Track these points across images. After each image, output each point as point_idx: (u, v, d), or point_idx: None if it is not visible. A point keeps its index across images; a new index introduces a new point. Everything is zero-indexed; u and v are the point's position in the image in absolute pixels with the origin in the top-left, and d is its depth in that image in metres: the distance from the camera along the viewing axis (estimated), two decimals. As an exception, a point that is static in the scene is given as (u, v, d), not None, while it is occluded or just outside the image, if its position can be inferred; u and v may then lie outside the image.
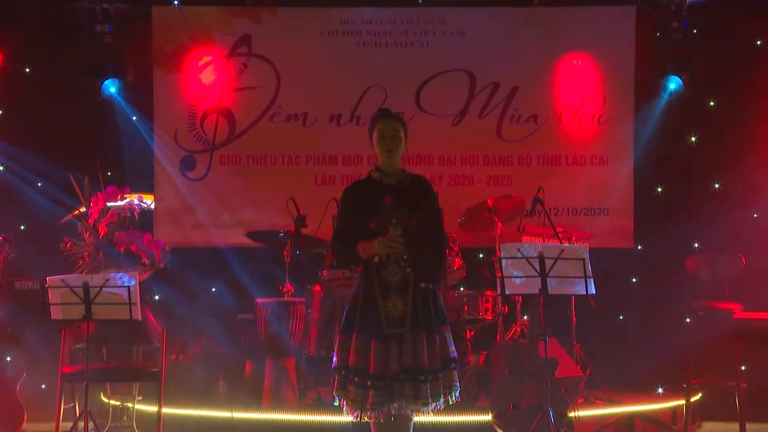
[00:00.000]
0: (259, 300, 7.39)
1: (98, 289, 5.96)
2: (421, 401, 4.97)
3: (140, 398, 7.27)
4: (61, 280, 6.02)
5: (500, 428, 6.42)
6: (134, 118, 8.84)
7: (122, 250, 7.29)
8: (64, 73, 8.65)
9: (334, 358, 5.09)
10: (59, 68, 8.66)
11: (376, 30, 8.79)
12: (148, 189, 8.44)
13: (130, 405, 7.26)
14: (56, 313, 6.05)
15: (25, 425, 7.09)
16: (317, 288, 7.49)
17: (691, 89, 8.65)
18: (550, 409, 5.78)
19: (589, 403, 7.27)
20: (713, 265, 8.12)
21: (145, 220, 7.95)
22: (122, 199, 7.47)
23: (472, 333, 7.63)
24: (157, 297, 8.53)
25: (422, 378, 4.95)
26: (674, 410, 7.34)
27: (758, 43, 8.71)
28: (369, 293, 5.03)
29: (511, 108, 8.74)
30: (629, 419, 7.16)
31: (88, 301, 5.97)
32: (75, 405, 6.85)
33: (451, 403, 5.09)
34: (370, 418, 5.02)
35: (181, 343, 8.08)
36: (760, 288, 7.77)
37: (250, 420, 6.94)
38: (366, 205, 5.08)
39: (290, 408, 7.07)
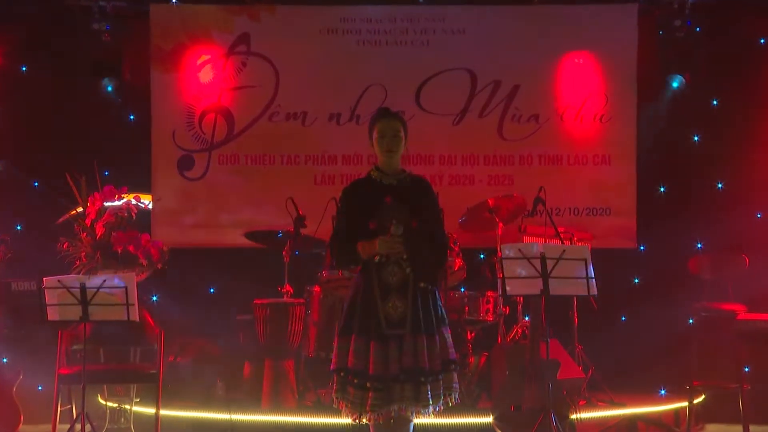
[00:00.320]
0: (258, 301, 7.35)
1: (95, 289, 5.91)
2: (421, 403, 4.94)
3: (138, 400, 7.24)
4: (58, 281, 5.98)
5: (501, 430, 6.39)
6: (132, 117, 8.81)
7: (120, 251, 7.23)
8: (60, 72, 8.61)
9: (333, 360, 5.04)
10: (56, 67, 8.62)
11: (376, 28, 8.75)
12: (146, 189, 8.43)
13: (127, 407, 7.22)
14: (53, 314, 6.01)
15: (21, 427, 7.04)
16: (316, 289, 7.45)
17: (694, 88, 8.64)
18: (551, 410, 5.74)
19: (591, 404, 7.24)
20: (716, 266, 8.11)
21: (142, 220, 7.89)
22: (120, 198, 7.42)
23: (473, 334, 7.60)
24: (154, 298, 8.50)
25: (422, 379, 4.92)
26: (677, 412, 7.29)
27: (761, 41, 8.68)
28: (368, 294, 4.99)
29: (512, 107, 8.70)
30: (631, 421, 7.12)
31: (85, 302, 5.92)
32: (72, 407, 6.79)
33: (450, 404, 5.06)
34: (369, 420, 4.98)
35: (179, 344, 8.01)
36: (763, 288, 7.76)
37: (249, 422, 6.90)
38: (366, 204, 5.04)
39: (289, 410, 7.03)
